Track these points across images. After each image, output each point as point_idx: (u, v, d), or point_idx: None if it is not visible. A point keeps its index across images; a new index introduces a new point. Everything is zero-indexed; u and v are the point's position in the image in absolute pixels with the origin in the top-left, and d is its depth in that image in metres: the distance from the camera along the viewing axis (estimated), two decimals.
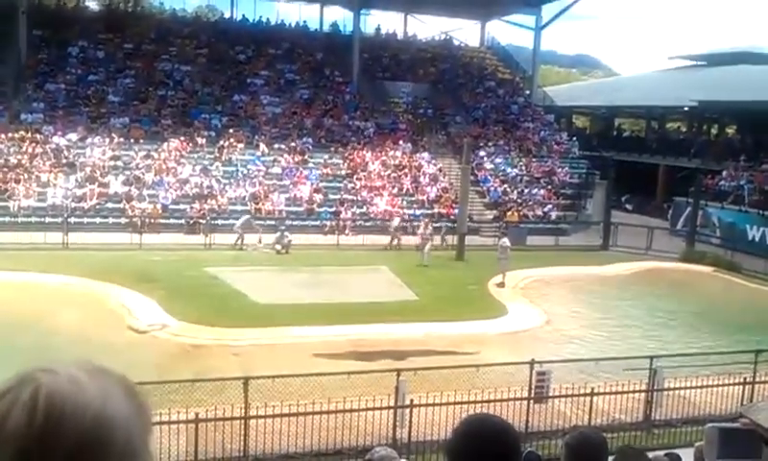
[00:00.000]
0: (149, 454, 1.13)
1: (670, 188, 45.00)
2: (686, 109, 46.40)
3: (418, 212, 34.26)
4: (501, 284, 25.05)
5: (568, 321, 21.72)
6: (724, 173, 39.67)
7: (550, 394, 13.51)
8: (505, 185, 37.99)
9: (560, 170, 40.12)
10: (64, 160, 32.69)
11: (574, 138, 44.30)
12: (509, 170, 39.47)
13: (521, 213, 36.03)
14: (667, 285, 26.61)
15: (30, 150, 32.50)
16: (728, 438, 3.54)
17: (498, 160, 39.97)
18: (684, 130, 54.84)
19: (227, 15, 52.03)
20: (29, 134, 33.34)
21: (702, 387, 14.15)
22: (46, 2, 47.54)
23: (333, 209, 33.45)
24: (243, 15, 49.85)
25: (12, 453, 1.02)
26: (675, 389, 14.13)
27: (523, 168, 39.78)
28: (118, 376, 1.14)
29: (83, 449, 1.03)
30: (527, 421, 12.86)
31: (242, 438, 11.72)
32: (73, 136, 34.11)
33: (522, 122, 44.66)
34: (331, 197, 34.32)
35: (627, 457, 4.31)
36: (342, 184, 35.49)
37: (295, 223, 31.78)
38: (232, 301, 21.21)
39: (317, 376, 13.95)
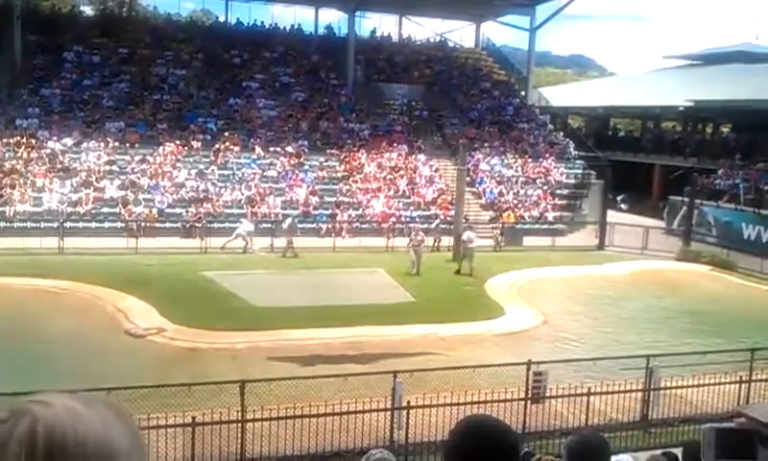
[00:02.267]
0: None
1: (666, 188, 45.11)
2: (682, 108, 46.47)
3: (414, 214, 34.28)
4: (458, 271, 26.32)
5: (565, 321, 21.74)
6: (719, 172, 39.76)
7: (547, 394, 13.53)
8: (501, 186, 38.01)
9: (555, 170, 40.14)
10: (60, 165, 32.64)
11: (569, 139, 44.30)
12: (505, 171, 39.49)
13: (517, 214, 36.05)
14: (663, 285, 26.66)
15: (25, 155, 32.46)
16: (725, 438, 3.54)
17: (494, 161, 39.99)
18: (679, 129, 54.94)
19: (221, 19, 52.00)
20: (24, 140, 33.29)
21: (698, 386, 14.19)
22: (41, 7, 47.49)
23: (329, 212, 33.44)
24: (237, 19, 49.84)
25: None
26: (672, 388, 14.17)
27: (519, 169, 39.80)
28: (110, 402, 1.13)
29: None
30: (524, 421, 12.86)
31: (239, 441, 11.71)
32: (68, 141, 34.08)
33: (518, 123, 44.69)
34: (327, 199, 34.32)
35: (691, 448, 4.39)
36: (338, 187, 35.49)
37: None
38: (229, 304, 21.20)
39: (313, 379, 13.97)
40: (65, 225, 28.54)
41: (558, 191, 38.73)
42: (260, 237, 29.78)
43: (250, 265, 26.54)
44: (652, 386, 14.01)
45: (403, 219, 33.21)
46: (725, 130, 52.61)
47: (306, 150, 37.45)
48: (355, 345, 18.00)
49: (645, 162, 49.09)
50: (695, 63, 59.52)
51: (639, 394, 14.09)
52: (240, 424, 11.74)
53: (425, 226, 30.93)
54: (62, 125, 35.10)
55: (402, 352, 17.26)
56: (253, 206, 32.74)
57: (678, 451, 6.48)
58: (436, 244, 30.49)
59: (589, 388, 13.35)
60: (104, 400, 1.12)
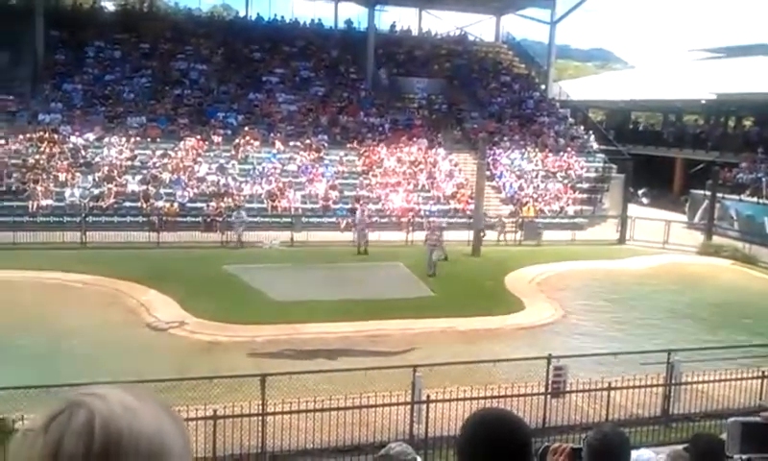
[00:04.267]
0: None
1: (687, 181, 44.76)
2: (704, 101, 46.04)
3: (434, 208, 34.26)
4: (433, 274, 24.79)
5: (585, 315, 21.65)
6: (742, 165, 39.35)
7: (567, 389, 13.49)
8: (521, 180, 37.87)
9: (576, 164, 39.94)
10: (82, 160, 32.94)
11: (590, 132, 44.03)
12: (525, 165, 39.34)
13: (537, 208, 35.92)
14: (685, 279, 26.50)
15: (48, 150, 32.77)
16: (750, 432, 3.53)
17: (514, 155, 39.85)
18: (701, 122, 54.44)
19: (241, 14, 52.11)
20: (47, 134, 33.60)
21: (720, 381, 14.08)
22: (63, 3, 47.85)
23: (349, 206, 33.47)
24: (258, 14, 50.00)
25: None
26: (693, 383, 14.07)
27: (539, 163, 39.64)
28: (161, 400, 1.13)
29: None
30: (544, 416, 12.84)
31: (259, 434, 11.78)
32: (90, 136, 34.36)
33: (538, 117, 44.51)
34: (347, 194, 34.36)
35: (700, 440, 4.37)
36: (357, 181, 35.52)
37: (311, 220, 31.86)
38: (249, 298, 21.29)
39: (333, 373, 14.04)
40: (87, 219, 28.80)
41: (578, 185, 38.54)
42: (281, 231, 29.90)
43: (270, 259, 26.64)
44: (673, 381, 13.93)
45: (423, 213, 33.17)
46: (747, 123, 52.01)
47: (326, 144, 37.52)
48: (375, 339, 18.05)
49: (667, 156, 48.70)
50: (717, 56, 58.89)
51: (660, 389, 14.02)
52: (261, 418, 11.81)
53: (443, 220, 30.82)
54: (84, 120, 35.40)
55: (421, 346, 17.30)
56: (273, 201, 32.85)
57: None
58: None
59: (610, 383, 13.30)
60: (155, 397, 1.13)
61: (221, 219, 30.33)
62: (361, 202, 32.85)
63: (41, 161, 32.10)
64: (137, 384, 10.89)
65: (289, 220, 31.06)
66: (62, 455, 1.01)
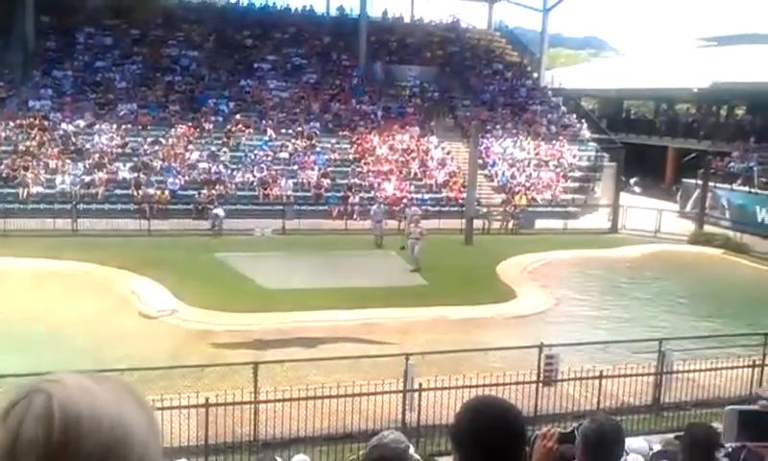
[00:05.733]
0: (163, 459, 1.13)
1: (679, 170, 44.86)
2: (696, 90, 46.09)
3: (426, 197, 34.25)
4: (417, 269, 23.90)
5: (577, 304, 21.70)
6: (733, 154, 39.46)
7: (559, 377, 13.52)
8: (513, 169, 37.89)
9: (568, 153, 39.98)
10: (72, 147, 32.76)
11: (583, 121, 44.04)
12: (517, 153, 39.35)
13: (530, 197, 35.96)
14: (676, 268, 26.57)
15: (38, 137, 32.59)
16: (747, 420, 3.53)
17: (506, 144, 39.85)
18: (693, 111, 54.54)
19: (233, 0, 51.83)
20: (37, 121, 33.41)
21: (711, 370, 14.14)
22: None
23: (341, 194, 33.44)
24: (249, 0, 49.67)
25: None
26: (684, 372, 14.11)
27: (531, 151, 39.66)
28: (124, 382, 1.14)
29: (104, 457, 1.03)
30: (536, 404, 12.87)
31: (252, 422, 11.78)
32: (81, 123, 34.17)
33: (530, 105, 44.49)
34: (339, 182, 34.31)
35: (693, 429, 4.39)
36: (349, 169, 35.46)
37: (303, 208, 31.79)
38: (241, 286, 21.25)
39: (325, 361, 14.03)
40: (78, 206, 28.71)
41: (570, 174, 38.60)
42: (272, 220, 29.84)
43: (261, 247, 26.60)
44: (664, 370, 13.97)
45: (415, 201, 33.14)
46: (739, 112, 52.18)
47: (318, 132, 37.43)
48: (367, 327, 18.04)
49: (659, 145, 48.79)
50: (710, 45, 58.95)
51: (651, 377, 14.06)
52: (253, 406, 11.81)
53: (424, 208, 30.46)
54: (75, 107, 35.20)
55: (413, 334, 17.31)
56: (265, 189, 32.77)
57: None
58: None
59: (601, 371, 13.33)
60: (117, 380, 1.13)
61: (212, 207, 30.18)
62: (381, 195, 32.79)
63: (32, 148, 31.92)
64: (105, 371, 10.91)
65: (281, 208, 30.99)
66: (22, 441, 1.01)
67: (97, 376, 1.11)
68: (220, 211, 29.38)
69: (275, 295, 20.27)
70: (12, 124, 32.88)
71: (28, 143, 32.13)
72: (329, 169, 35.02)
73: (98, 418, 1.03)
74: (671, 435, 7.17)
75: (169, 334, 17.25)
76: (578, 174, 38.89)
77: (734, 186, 36.40)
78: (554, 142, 40.60)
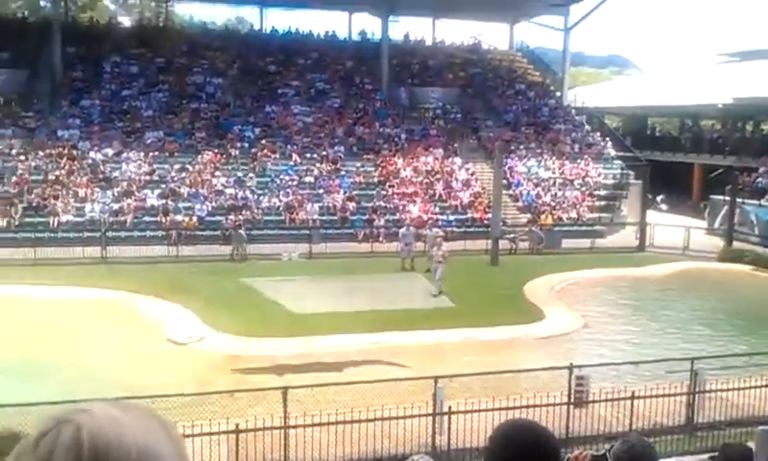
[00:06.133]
0: None
1: (706, 187, 44.46)
2: (721, 106, 45.77)
3: (451, 218, 34.24)
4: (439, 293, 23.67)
5: (606, 324, 21.53)
6: (760, 169, 39.06)
7: (590, 398, 13.41)
8: (538, 188, 37.78)
9: (593, 171, 39.82)
10: (101, 175, 33.19)
11: (607, 139, 43.88)
12: (542, 173, 39.25)
13: (556, 216, 35.81)
14: (706, 285, 26.29)
15: (67, 165, 33.06)
16: None
17: (531, 163, 39.78)
18: (718, 127, 54.10)
19: (256, 27, 52.45)
20: (66, 150, 33.91)
21: (744, 388, 13.96)
22: (79, 20, 48.38)
23: (366, 217, 33.52)
24: (272, 27, 50.26)
25: None
26: (717, 391, 13.94)
27: (556, 170, 39.54)
28: (151, 411, 1.15)
29: None
30: (567, 426, 12.76)
31: (282, 448, 11.79)
32: (109, 151, 34.63)
33: (554, 124, 44.41)
34: (364, 205, 34.40)
35: (728, 450, 4.34)
36: (374, 192, 35.55)
37: (329, 231, 31.91)
38: (268, 311, 21.34)
39: (354, 385, 14.00)
40: (107, 234, 29.03)
41: (596, 192, 38.40)
42: (298, 244, 29.98)
43: (288, 271, 26.69)
44: (697, 389, 13.81)
45: (440, 223, 33.11)
46: (765, 127, 51.70)
47: (342, 155, 37.61)
48: (394, 350, 17.99)
49: (684, 162, 48.43)
50: (734, 60, 58.56)
51: (684, 397, 13.89)
52: (283, 431, 11.83)
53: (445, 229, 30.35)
54: (103, 135, 35.69)
55: (442, 357, 17.25)
56: (291, 213, 32.94)
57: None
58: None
59: (633, 392, 13.20)
60: (144, 409, 1.15)
61: (227, 233, 30.34)
62: (407, 217, 32.90)
63: (61, 177, 32.38)
64: (135, 398, 10.98)
65: (307, 232, 31.14)
66: None
67: (125, 404, 1.13)
68: (242, 232, 29.59)
69: (302, 319, 20.33)
70: (41, 153, 33.41)
71: (57, 172, 32.60)
72: (354, 192, 35.14)
73: (126, 447, 1.04)
74: (705, 456, 7.08)
75: (197, 360, 17.33)
76: (604, 192, 38.68)
77: (763, 202, 36.00)
78: (579, 161, 40.47)
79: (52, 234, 29.14)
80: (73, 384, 14.67)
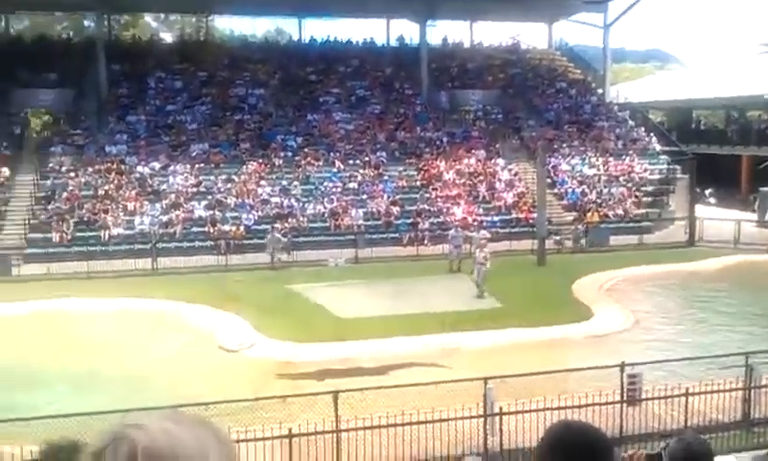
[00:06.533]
0: None
1: (754, 179, 43.61)
2: (767, 96, 44.86)
3: (496, 219, 34.13)
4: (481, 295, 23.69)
5: (658, 321, 21.28)
6: None
7: (643, 396, 13.26)
8: (583, 186, 37.44)
9: (639, 167, 39.33)
10: (149, 189, 33.80)
11: (651, 134, 43.29)
12: (586, 170, 38.91)
13: (602, 213, 35.46)
14: (758, 279, 25.76)
15: (116, 180, 33.73)
16: None
17: (575, 161, 39.46)
18: (765, 118, 53.00)
19: (295, 38, 52.87)
20: (114, 166, 34.59)
21: None
22: (122, 38, 49.30)
23: (410, 221, 33.58)
24: (311, 36, 50.62)
25: None
26: None
27: (601, 167, 39.15)
28: (203, 420, 1.20)
29: None
30: (621, 424, 12.65)
31: (335, 451, 11.89)
32: (156, 165, 35.24)
33: (597, 121, 43.97)
34: (408, 208, 34.47)
35: None
36: (418, 195, 35.61)
37: (374, 236, 32.04)
38: (316, 316, 21.52)
39: (404, 387, 14.04)
40: (157, 245, 29.54)
41: (642, 188, 37.92)
42: (344, 249, 30.18)
43: (335, 277, 26.87)
44: (752, 384, 13.57)
45: (485, 224, 33.00)
46: None
47: (385, 161, 37.73)
48: (444, 352, 18.01)
49: (732, 154, 47.56)
50: None
51: (740, 393, 13.66)
52: (335, 434, 11.93)
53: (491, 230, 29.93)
54: (149, 150, 36.32)
55: (491, 358, 17.19)
56: (336, 219, 33.16)
57: None
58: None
59: (687, 388, 13.03)
60: (197, 418, 1.19)
61: (285, 240, 30.63)
62: (452, 220, 32.89)
63: (110, 192, 33.05)
64: (189, 406, 11.21)
65: (352, 237, 31.32)
66: None
67: (176, 415, 1.18)
68: (277, 235, 29.70)
69: (350, 324, 20.46)
70: (90, 169, 34.14)
71: (107, 187, 33.27)
72: (398, 197, 35.23)
73: (179, 458, 1.09)
74: (763, 452, 6.98)
75: (249, 367, 17.55)
76: (650, 188, 38.17)
77: None
78: (623, 157, 40.02)
79: (103, 248, 29.74)
80: (128, 393, 14.99)
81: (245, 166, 35.86)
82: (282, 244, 29.56)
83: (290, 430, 11.53)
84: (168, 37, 55.74)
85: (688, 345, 18.26)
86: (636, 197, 37.01)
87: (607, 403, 12.70)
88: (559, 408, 12.16)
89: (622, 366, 13.29)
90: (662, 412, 13.19)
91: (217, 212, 32.60)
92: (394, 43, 50.66)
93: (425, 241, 32.09)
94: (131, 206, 32.49)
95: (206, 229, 31.83)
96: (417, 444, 11.97)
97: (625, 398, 13.07)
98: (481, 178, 37.31)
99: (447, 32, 53.35)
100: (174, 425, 1.13)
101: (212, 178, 35.02)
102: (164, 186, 34.04)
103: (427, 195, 35.68)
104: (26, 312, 21.64)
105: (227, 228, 31.80)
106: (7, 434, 11.44)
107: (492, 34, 54.28)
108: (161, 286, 24.54)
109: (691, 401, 12.95)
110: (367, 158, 37.57)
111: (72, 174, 33.77)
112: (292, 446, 11.40)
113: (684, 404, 12.84)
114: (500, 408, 12.32)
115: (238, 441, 11.00)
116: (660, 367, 14.84)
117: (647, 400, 13.26)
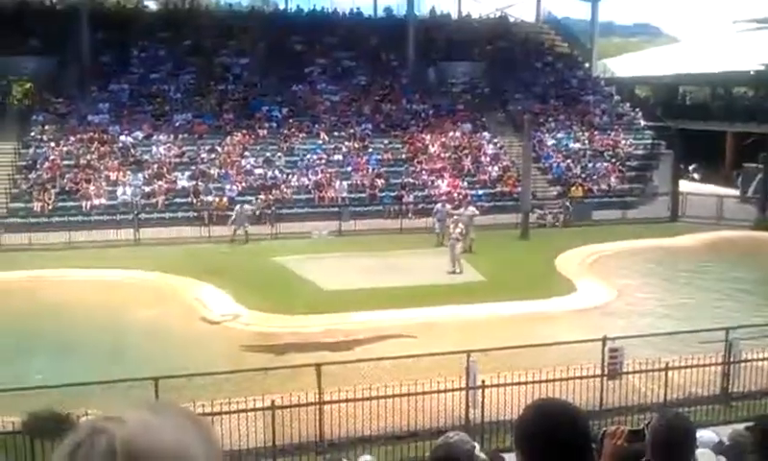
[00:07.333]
0: None
1: (739, 155, 43.77)
2: (753, 72, 44.92)
3: (480, 192, 34.10)
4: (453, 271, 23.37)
5: (639, 295, 21.41)
6: None
7: (624, 370, 13.35)
8: (568, 161, 37.47)
9: (624, 142, 39.38)
10: (131, 158, 33.53)
11: (637, 109, 43.32)
12: (571, 145, 38.91)
13: (586, 188, 35.53)
14: (740, 255, 25.99)
15: (98, 150, 33.43)
16: None
17: (560, 136, 39.45)
18: (750, 94, 53.13)
19: (281, 7, 52.40)
20: (96, 135, 34.27)
21: None
22: (106, 5, 48.60)
23: (395, 194, 33.52)
24: (297, 6, 50.12)
25: None
26: (752, 361, 13.81)
27: (586, 142, 39.17)
28: (183, 409, 1.16)
29: None
30: (601, 398, 12.74)
31: (317, 423, 11.91)
32: (139, 135, 34.95)
33: (583, 96, 43.92)
34: (392, 181, 34.40)
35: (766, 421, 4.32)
36: (403, 168, 35.54)
37: (358, 209, 31.96)
38: (300, 288, 21.50)
39: (385, 360, 14.07)
40: (140, 216, 29.33)
41: (627, 163, 37.99)
42: (328, 222, 30.10)
43: (318, 249, 26.84)
44: (732, 359, 13.69)
45: (469, 198, 32.96)
46: None
47: (370, 133, 37.58)
48: (426, 325, 18.04)
49: (716, 130, 47.67)
50: (765, 26, 57.33)
51: (719, 367, 13.78)
52: (318, 407, 11.94)
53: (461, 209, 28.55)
54: (132, 119, 36.00)
55: (474, 331, 17.23)
56: (321, 191, 33.05)
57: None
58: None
59: (667, 363, 13.13)
60: (176, 408, 1.16)
61: (269, 212, 30.51)
62: (436, 193, 32.97)
63: (92, 161, 32.76)
64: (173, 377, 11.30)
65: (336, 209, 31.24)
66: None
67: (155, 406, 1.14)
68: (246, 207, 29.27)
69: (334, 296, 20.44)
70: (72, 138, 33.79)
71: (89, 157, 32.98)
72: (383, 169, 35.14)
73: (160, 452, 1.06)
74: (741, 426, 7.03)
75: (232, 339, 17.54)
76: (635, 163, 38.25)
77: None
78: (609, 132, 40.05)
79: (85, 218, 29.48)
80: (109, 364, 14.98)
81: (229, 137, 35.62)
82: (249, 220, 29.18)
83: (273, 402, 11.52)
84: (153, 5, 54.96)
85: (670, 319, 18.38)
86: (621, 172, 37.12)
87: (588, 377, 12.77)
88: (540, 381, 12.26)
89: (604, 340, 13.36)
90: (642, 386, 13.29)
91: (200, 183, 32.40)
92: (381, 14, 50.26)
93: (409, 214, 32.06)
94: (113, 176, 32.24)
95: (189, 199, 31.66)
96: (399, 416, 12.00)
97: (606, 371, 13.15)
98: (466, 151, 37.23)
99: (435, 3, 53.04)
100: (155, 418, 1.10)
101: (195, 148, 34.78)
102: (147, 156, 33.78)
103: (412, 168, 35.59)
104: (7, 282, 21.46)
105: (210, 199, 31.62)
106: None
107: (480, 6, 53.72)
108: (143, 257, 24.40)
109: (671, 375, 13.04)
110: (352, 131, 37.40)
111: (53, 143, 33.41)
112: (275, 417, 11.39)
113: (663, 378, 12.93)
114: (483, 381, 12.35)
115: (221, 413, 11.00)
116: (641, 341, 14.91)
117: (628, 373, 13.35)
